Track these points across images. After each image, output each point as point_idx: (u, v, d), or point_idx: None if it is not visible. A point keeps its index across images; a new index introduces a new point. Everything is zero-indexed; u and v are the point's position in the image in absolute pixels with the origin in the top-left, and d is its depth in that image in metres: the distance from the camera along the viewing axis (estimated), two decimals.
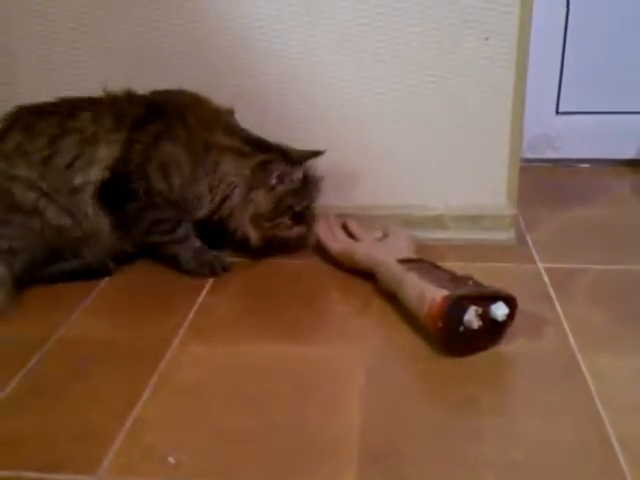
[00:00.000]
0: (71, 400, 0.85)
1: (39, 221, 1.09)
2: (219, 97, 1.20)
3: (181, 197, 1.13)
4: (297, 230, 1.16)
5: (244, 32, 1.19)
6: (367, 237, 1.17)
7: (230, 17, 1.18)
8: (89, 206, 1.10)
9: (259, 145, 1.14)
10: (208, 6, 1.18)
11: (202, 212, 1.14)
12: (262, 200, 1.12)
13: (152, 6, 1.19)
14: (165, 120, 1.12)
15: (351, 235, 1.20)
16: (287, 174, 1.12)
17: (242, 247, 1.18)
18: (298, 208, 1.14)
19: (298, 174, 1.12)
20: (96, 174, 1.10)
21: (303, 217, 1.16)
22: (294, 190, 1.13)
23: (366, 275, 1.11)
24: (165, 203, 1.12)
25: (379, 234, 1.19)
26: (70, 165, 1.09)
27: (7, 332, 1.00)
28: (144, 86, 1.19)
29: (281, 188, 1.12)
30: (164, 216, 1.13)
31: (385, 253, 1.08)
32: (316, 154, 1.15)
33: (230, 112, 1.17)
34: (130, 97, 1.14)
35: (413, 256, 1.08)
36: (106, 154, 1.10)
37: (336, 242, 1.18)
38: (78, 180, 1.09)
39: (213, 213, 1.14)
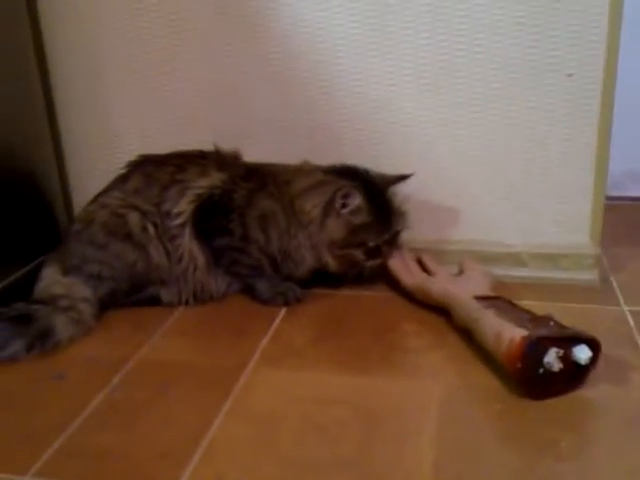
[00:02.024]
0: (149, 420, 0.88)
1: (138, 254, 1.14)
2: (296, 132, 1.26)
3: (281, 251, 1.16)
4: (371, 263, 1.16)
5: (322, 69, 1.22)
6: (442, 272, 1.16)
7: (309, 56, 1.22)
8: (185, 248, 1.15)
9: (343, 173, 1.15)
10: (287, 46, 1.22)
11: (306, 267, 1.18)
12: (334, 226, 1.13)
13: (230, 45, 1.25)
14: (261, 179, 1.18)
15: (426, 270, 1.19)
16: (349, 196, 1.11)
17: (325, 277, 1.20)
18: (372, 244, 1.14)
19: (355, 197, 1.10)
20: (189, 197, 1.15)
21: (379, 251, 1.16)
22: (368, 224, 1.13)
23: (441, 310, 1.10)
24: (261, 254, 1.16)
25: (455, 270, 1.18)
26: (169, 212, 1.15)
27: (92, 351, 1.05)
28: (222, 123, 1.27)
29: (347, 212, 1.11)
30: (251, 263, 1.17)
31: (461, 289, 1.07)
32: (402, 178, 1.16)
33: (306, 163, 1.20)
34: (236, 156, 1.21)
35: (490, 293, 1.06)
36: (202, 183, 1.16)
37: (410, 276, 1.17)
38: (175, 223, 1.15)
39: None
